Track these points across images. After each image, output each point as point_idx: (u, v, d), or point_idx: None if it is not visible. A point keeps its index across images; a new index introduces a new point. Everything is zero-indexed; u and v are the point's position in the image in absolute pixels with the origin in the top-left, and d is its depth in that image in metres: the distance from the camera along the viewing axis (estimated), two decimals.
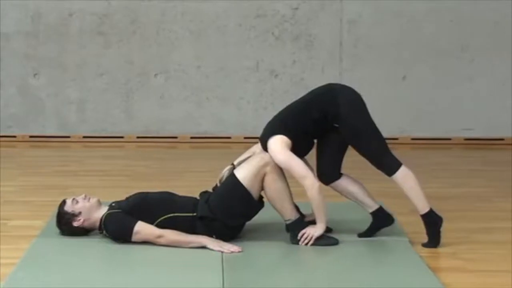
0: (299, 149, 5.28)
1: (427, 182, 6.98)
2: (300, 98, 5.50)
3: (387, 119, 8.51)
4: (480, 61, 8.49)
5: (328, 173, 5.43)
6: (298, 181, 5.25)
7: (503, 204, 6.32)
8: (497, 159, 7.99)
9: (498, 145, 8.46)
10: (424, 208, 5.34)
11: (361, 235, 5.42)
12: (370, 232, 5.42)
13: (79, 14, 8.41)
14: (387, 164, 5.43)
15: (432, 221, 5.32)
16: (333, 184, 5.43)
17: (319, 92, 5.51)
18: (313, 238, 5.21)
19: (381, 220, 5.43)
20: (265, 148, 5.29)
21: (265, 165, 5.19)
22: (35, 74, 8.48)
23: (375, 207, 5.44)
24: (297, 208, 5.37)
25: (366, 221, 5.63)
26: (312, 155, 5.44)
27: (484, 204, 6.34)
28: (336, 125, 5.32)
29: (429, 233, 5.32)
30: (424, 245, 5.30)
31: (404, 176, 5.40)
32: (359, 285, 4.61)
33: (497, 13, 8.42)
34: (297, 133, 5.28)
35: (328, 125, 5.34)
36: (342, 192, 5.48)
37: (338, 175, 5.45)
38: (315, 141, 5.47)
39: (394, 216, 5.73)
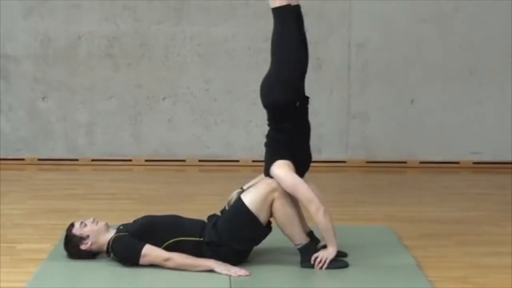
0: (299, 164, 5.30)
1: (436, 206, 7.00)
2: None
3: (396, 143, 8.52)
4: (488, 85, 8.48)
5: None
6: (303, 204, 5.26)
7: None
8: (506, 183, 7.96)
9: (506, 169, 8.44)
10: None
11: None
12: None
13: (88, 37, 8.43)
14: None
15: None
16: None
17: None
18: (327, 261, 5.19)
19: None
20: (267, 173, 5.30)
21: (273, 191, 5.18)
22: (43, 98, 8.49)
23: None
24: (312, 233, 5.39)
25: (372, 245, 5.64)
26: None
27: (493, 228, 6.32)
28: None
29: None
30: None
31: None
32: None
33: (504, 38, 8.42)
34: (290, 152, 5.29)
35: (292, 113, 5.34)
36: None
37: None
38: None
39: (402, 241, 5.74)
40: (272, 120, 5.37)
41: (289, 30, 5.34)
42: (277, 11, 5.35)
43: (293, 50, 5.35)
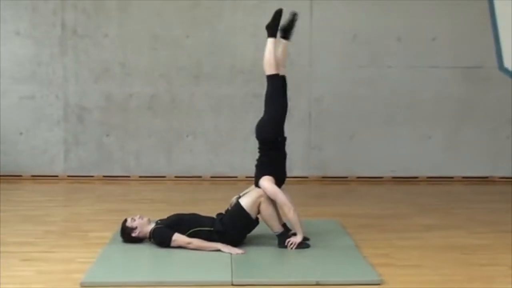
0: (278, 179, 5.28)
1: (367, 206, 7.01)
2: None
3: (341, 164, 8.53)
4: (402, 126, 8.52)
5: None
6: (279, 205, 5.27)
7: (418, 220, 6.32)
8: (414, 191, 7.99)
9: (414, 182, 8.47)
10: None
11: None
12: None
13: (137, 95, 8.45)
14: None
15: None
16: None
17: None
18: (296, 243, 5.20)
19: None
20: (256, 185, 5.30)
21: (260, 196, 5.20)
22: (107, 135, 8.50)
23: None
24: (285, 226, 5.38)
25: (326, 232, 5.62)
26: None
27: (405, 220, 6.33)
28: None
29: None
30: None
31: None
32: (321, 276, 4.56)
33: (412, 96, 8.47)
34: (273, 171, 5.27)
35: (275, 145, 5.32)
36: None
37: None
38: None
39: (345, 230, 5.74)
40: (262, 148, 5.37)
41: (278, 90, 5.37)
42: (270, 76, 5.37)
43: (280, 103, 5.38)
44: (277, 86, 5.35)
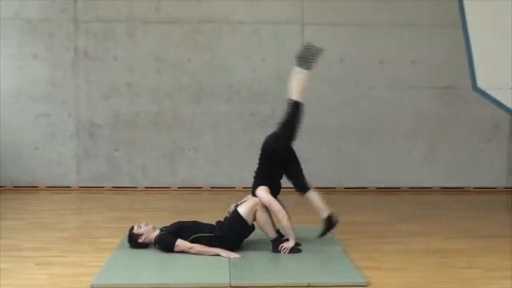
0: (274, 190, 5.26)
1: (354, 214, 6.98)
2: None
3: (330, 176, 8.51)
4: (385, 141, 8.51)
5: (302, 187, 5.33)
6: (274, 213, 5.24)
7: (401, 227, 6.30)
8: (396, 200, 7.97)
9: (396, 192, 8.45)
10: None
11: (319, 236, 5.33)
12: (324, 232, 5.37)
13: (143, 113, 8.43)
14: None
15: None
16: (307, 195, 5.33)
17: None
18: (288, 248, 5.16)
19: (330, 224, 5.36)
20: (253, 194, 5.27)
21: (256, 204, 5.19)
22: (116, 149, 8.46)
23: (326, 214, 5.36)
24: (279, 232, 5.34)
25: (315, 239, 5.59)
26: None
27: (389, 227, 6.32)
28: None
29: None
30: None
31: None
32: (312, 278, 4.53)
33: (395, 112, 8.47)
34: (269, 181, 5.24)
35: (274, 160, 5.30)
36: (311, 202, 5.40)
37: (308, 188, 5.39)
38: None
39: (334, 236, 5.70)
40: (262, 161, 5.36)
41: (298, 115, 5.39)
42: (296, 102, 5.43)
43: (292, 125, 5.40)
44: (297, 111, 5.39)
